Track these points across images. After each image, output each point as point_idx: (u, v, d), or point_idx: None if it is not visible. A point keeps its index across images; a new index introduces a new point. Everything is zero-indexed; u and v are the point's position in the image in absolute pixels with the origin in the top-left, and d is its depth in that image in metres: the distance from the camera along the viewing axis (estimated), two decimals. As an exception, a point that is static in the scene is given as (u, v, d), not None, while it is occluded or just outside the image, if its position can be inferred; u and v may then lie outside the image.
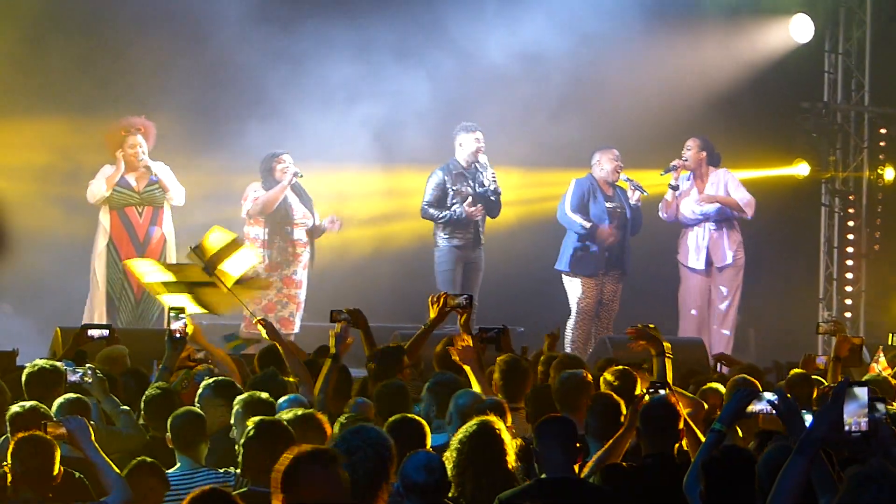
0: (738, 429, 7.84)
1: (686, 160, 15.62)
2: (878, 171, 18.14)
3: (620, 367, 8.73)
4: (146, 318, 14.27)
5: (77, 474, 6.76)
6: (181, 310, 9.30)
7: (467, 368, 8.73)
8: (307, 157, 15.23)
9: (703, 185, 15.66)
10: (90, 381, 8.36)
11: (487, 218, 15.01)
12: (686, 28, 17.25)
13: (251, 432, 6.32)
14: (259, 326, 9.60)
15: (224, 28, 15.61)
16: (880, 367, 11.22)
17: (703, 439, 6.69)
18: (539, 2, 16.58)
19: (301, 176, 14.67)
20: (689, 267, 15.70)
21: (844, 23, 18.26)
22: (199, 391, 8.22)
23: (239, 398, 7.69)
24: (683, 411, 7.33)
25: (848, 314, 18.09)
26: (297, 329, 14.58)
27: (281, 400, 7.92)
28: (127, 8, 15.57)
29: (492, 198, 14.82)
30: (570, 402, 8.06)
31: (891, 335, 12.40)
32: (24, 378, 8.50)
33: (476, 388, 8.42)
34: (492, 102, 16.42)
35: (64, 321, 12.77)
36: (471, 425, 6.57)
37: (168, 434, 7.51)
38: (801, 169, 17.90)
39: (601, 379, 8.44)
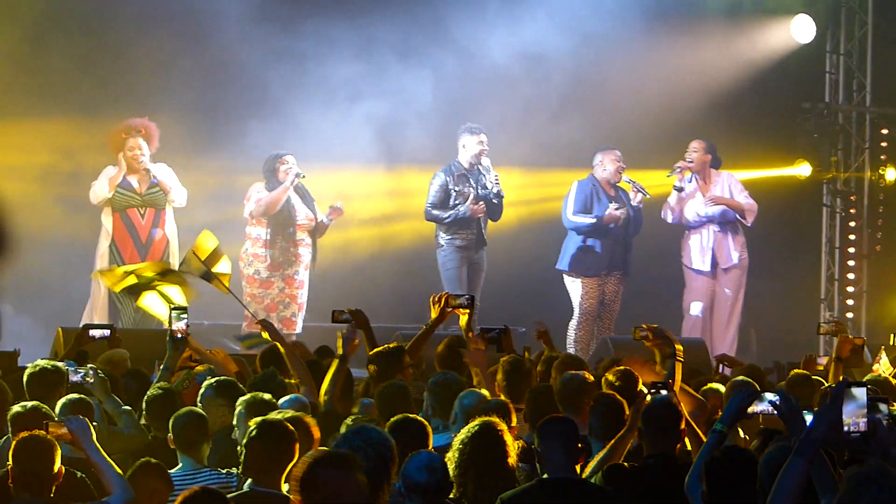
0: (739, 429, 7.85)
1: (691, 162, 15.62)
2: (880, 171, 18.13)
3: (622, 367, 8.74)
4: (148, 320, 14.25)
5: (79, 474, 6.76)
6: (183, 310, 9.30)
7: (476, 371, 8.74)
8: (309, 157, 15.24)
9: (707, 187, 15.68)
10: (92, 381, 8.35)
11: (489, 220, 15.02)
12: (687, 28, 17.25)
13: (253, 432, 6.32)
14: (261, 328, 9.61)
15: (226, 27, 15.61)
16: (882, 367, 11.21)
17: (704, 440, 6.69)
18: (540, 2, 16.57)
19: (303, 177, 14.68)
20: (695, 269, 15.70)
21: (846, 23, 18.25)
22: (202, 391, 8.22)
23: (242, 399, 7.69)
24: (685, 411, 7.34)
25: (849, 314, 18.08)
26: (299, 329, 14.59)
27: (281, 400, 7.92)
28: (128, 8, 15.57)
29: (494, 201, 14.82)
30: (572, 403, 8.06)
31: (892, 336, 12.41)
32: (25, 378, 8.50)
33: (483, 390, 8.43)
34: (493, 102, 16.42)
35: (65, 321, 12.78)
36: (473, 426, 6.57)
37: (170, 434, 7.51)
38: (802, 169, 17.89)
39: (602, 379, 8.45)
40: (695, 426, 7.35)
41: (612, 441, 7.23)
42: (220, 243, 11.89)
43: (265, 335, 9.51)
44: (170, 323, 9.27)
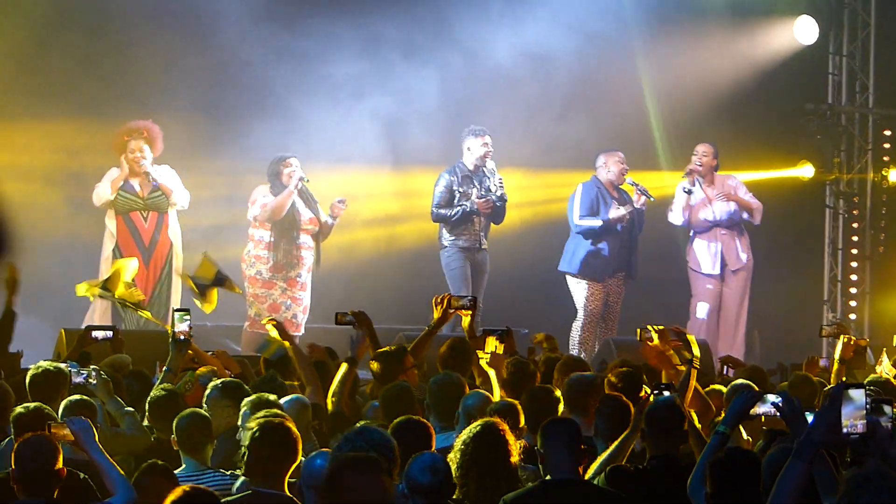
0: (742, 430, 7.85)
1: (700, 165, 15.63)
2: (883, 172, 18.12)
3: (624, 368, 8.77)
4: (152, 324, 14.24)
5: (82, 475, 6.76)
6: (185, 311, 9.32)
7: (492, 372, 8.77)
8: (313, 157, 15.25)
9: (713, 190, 15.69)
10: (95, 382, 8.36)
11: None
12: (690, 30, 17.24)
13: (256, 434, 6.32)
14: (269, 326, 9.64)
15: (229, 27, 15.61)
16: (884, 368, 11.20)
17: (707, 441, 6.69)
18: (543, 2, 16.57)
19: (307, 181, 14.65)
20: (704, 273, 15.70)
21: (849, 24, 18.24)
22: (207, 392, 8.23)
23: (247, 400, 7.70)
24: (695, 416, 7.36)
25: (852, 316, 18.07)
26: (302, 331, 14.59)
27: (282, 401, 7.93)
28: (131, 8, 15.56)
29: (497, 203, 14.80)
30: (579, 404, 8.09)
31: (895, 336, 12.40)
32: (27, 380, 8.51)
33: (496, 392, 8.46)
34: (497, 103, 16.42)
35: (69, 323, 12.78)
36: (475, 426, 6.57)
37: (174, 436, 7.52)
38: (805, 171, 17.88)
39: (604, 380, 8.47)
40: (698, 428, 7.35)
41: (616, 442, 7.23)
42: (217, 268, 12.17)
43: (273, 332, 9.53)
44: (172, 325, 9.28)
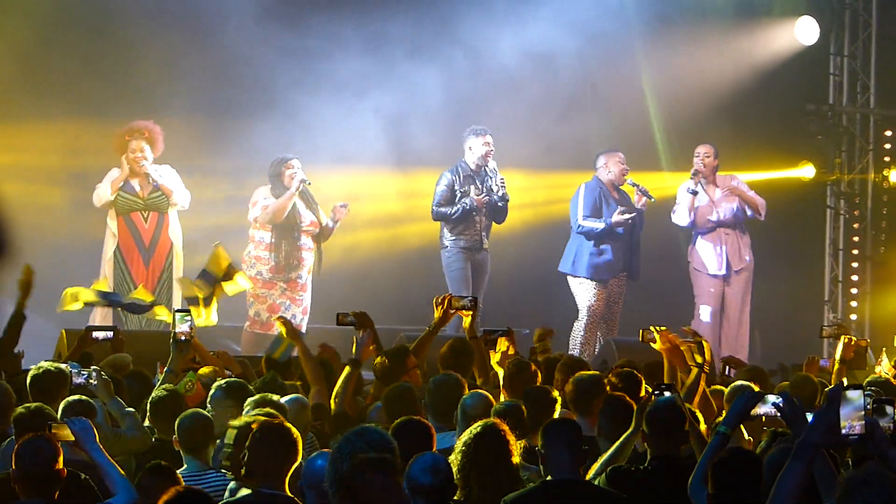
0: (743, 430, 7.85)
1: (703, 166, 15.63)
2: (884, 173, 18.12)
3: (626, 369, 8.79)
4: (153, 324, 14.24)
5: (83, 476, 6.77)
6: (186, 312, 9.32)
7: (501, 372, 8.81)
8: (315, 156, 15.24)
9: (715, 190, 15.70)
10: (95, 382, 8.36)
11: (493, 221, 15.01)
12: (692, 30, 17.24)
13: (256, 434, 6.32)
14: (279, 324, 9.65)
15: (231, 26, 15.61)
16: (883, 368, 11.21)
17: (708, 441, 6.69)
18: (546, 2, 16.57)
19: (309, 184, 14.62)
20: (711, 274, 15.69)
21: (850, 25, 18.24)
22: (211, 392, 8.24)
23: (250, 399, 7.72)
24: (696, 412, 7.38)
25: (853, 316, 18.07)
26: (303, 331, 14.56)
27: (282, 401, 7.94)
28: (132, 7, 15.56)
29: (499, 203, 14.79)
30: (584, 405, 8.10)
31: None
32: (28, 380, 8.51)
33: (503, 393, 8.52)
34: (499, 102, 16.43)
35: (71, 324, 12.77)
36: (476, 427, 6.57)
37: (175, 436, 7.52)
38: (806, 171, 17.88)
39: (605, 381, 8.48)
40: (699, 428, 7.35)
41: (616, 443, 7.23)
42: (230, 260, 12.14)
43: (283, 330, 9.56)
44: (173, 325, 9.28)
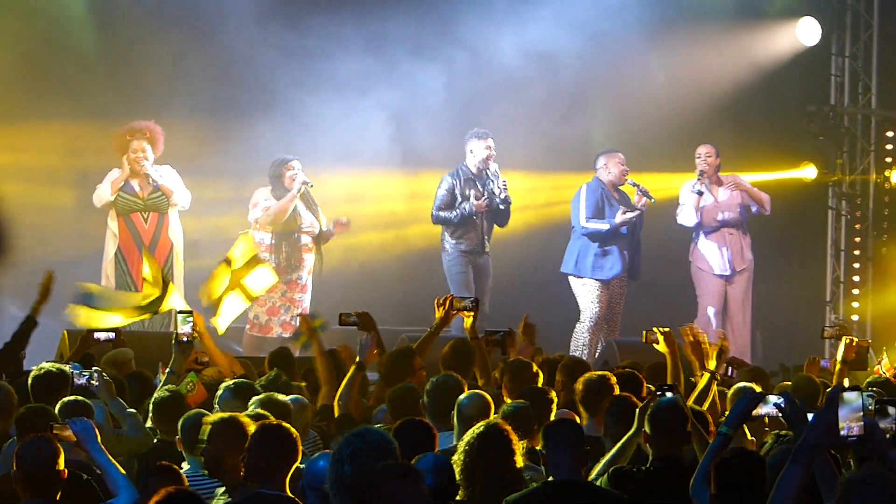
0: (746, 431, 7.85)
1: (707, 167, 15.64)
2: (885, 174, 18.13)
3: (627, 370, 8.81)
4: (154, 325, 14.24)
5: (85, 476, 6.77)
6: (188, 314, 9.31)
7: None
8: (316, 157, 15.23)
9: (717, 190, 15.71)
10: (97, 383, 8.36)
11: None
12: (693, 31, 17.24)
13: (255, 435, 6.32)
14: (300, 320, 9.70)
15: (232, 26, 15.62)
16: (882, 368, 11.21)
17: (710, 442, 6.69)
18: (547, 2, 16.57)
19: (311, 185, 14.59)
20: (716, 274, 15.69)
21: (851, 26, 18.24)
22: (219, 393, 8.24)
23: (255, 398, 7.72)
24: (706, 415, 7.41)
25: (854, 317, 18.07)
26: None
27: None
28: (134, 8, 15.56)
29: (501, 207, 14.76)
30: (594, 405, 8.11)
31: (897, 338, 12.42)
32: (30, 381, 8.51)
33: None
34: (501, 102, 16.43)
35: (71, 324, 12.76)
36: (479, 427, 6.57)
37: (178, 437, 7.52)
38: (808, 172, 17.89)
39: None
40: (700, 429, 7.35)
41: (618, 443, 7.23)
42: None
43: (304, 338, 9.59)
44: (175, 326, 9.28)
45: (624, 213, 14.90)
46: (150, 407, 8.39)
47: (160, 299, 11.01)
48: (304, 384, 9.26)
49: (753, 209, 15.78)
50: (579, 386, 8.32)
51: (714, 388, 8.73)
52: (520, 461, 6.54)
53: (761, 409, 6.46)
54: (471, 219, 14.72)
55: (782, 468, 5.26)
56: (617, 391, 8.17)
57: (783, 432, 7.06)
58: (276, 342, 13.54)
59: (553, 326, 14.43)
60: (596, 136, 16.32)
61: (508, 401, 8.11)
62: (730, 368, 11.73)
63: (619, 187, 15.17)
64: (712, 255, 15.75)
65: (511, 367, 8.95)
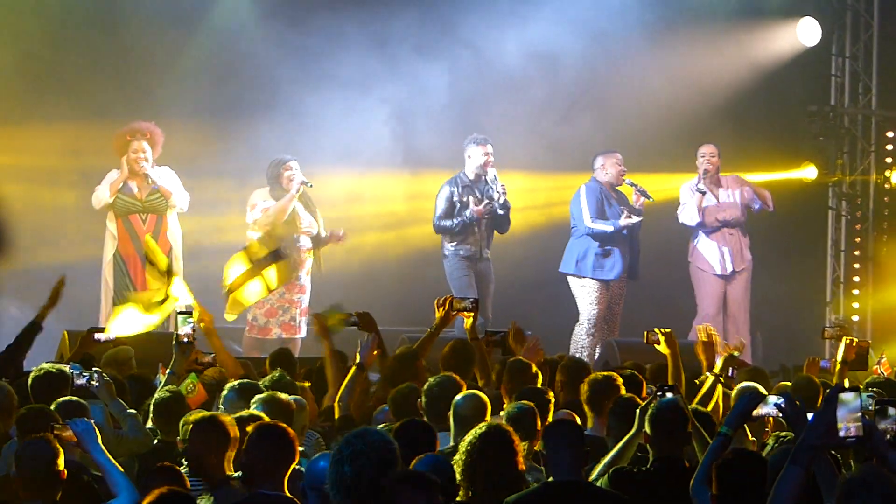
0: (747, 431, 7.85)
1: (710, 166, 15.64)
2: (885, 174, 18.12)
3: (629, 370, 8.82)
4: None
5: (86, 477, 6.77)
6: (189, 314, 9.31)
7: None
8: (317, 156, 15.23)
9: (718, 190, 15.72)
10: (97, 384, 8.36)
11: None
12: (694, 31, 17.24)
13: (253, 435, 6.32)
14: (314, 320, 9.74)
15: (233, 26, 15.62)
16: (881, 368, 11.21)
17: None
18: (549, 1, 16.57)
19: (310, 185, 14.58)
20: (716, 274, 15.70)
21: (851, 26, 18.23)
22: (224, 393, 8.25)
23: (258, 397, 7.72)
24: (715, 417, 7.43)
25: (855, 317, 18.07)
26: (303, 333, 14.56)
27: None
28: (135, 8, 15.56)
29: (500, 212, 14.73)
30: (599, 405, 8.12)
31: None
32: (30, 382, 8.51)
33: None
34: (502, 102, 16.43)
35: (72, 325, 12.77)
36: (481, 427, 6.57)
37: (179, 437, 7.52)
38: (808, 172, 17.89)
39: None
40: (701, 430, 7.35)
41: (619, 444, 7.23)
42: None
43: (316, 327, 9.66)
44: (176, 327, 9.28)
45: (627, 216, 14.87)
46: (151, 408, 8.39)
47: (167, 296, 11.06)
48: (307, 384, 9.25)
49: (756, 206, 15.78)
50: (585, 386, 8.34)
51: (719, 390, 8.74)
52: (521, 463, 6.54)
53: (761, 410, 6.46)
54: (471, 226, 14.71)
55: (781, 469, 5.26)
56: (623, 392, 8.19)
57: (783, 434, 7.06)
58: (276, 343, 13.56)
59: (553, 327, 14.43)
60: (596, 136, 16.31)
61: (508, 401, 8.11)
62: (730, 368, 11.75)
63: (617, 188, 15.17)
64: (712, 256, 15.76)
65: (510, 368, 8.95)
